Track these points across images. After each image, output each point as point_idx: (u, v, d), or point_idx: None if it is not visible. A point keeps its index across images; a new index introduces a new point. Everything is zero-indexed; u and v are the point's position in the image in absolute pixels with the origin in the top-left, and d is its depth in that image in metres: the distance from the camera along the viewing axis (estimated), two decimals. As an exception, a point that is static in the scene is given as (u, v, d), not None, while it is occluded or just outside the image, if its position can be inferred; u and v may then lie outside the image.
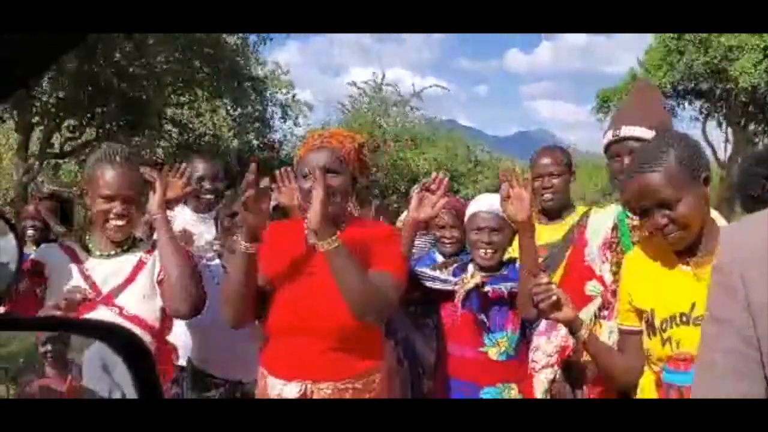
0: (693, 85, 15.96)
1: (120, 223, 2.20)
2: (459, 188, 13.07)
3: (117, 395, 0.99)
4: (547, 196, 2.92)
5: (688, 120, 18.32)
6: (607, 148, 2.38)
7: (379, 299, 2.04)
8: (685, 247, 1.82)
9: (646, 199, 1.79)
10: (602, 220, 2.53)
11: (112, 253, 2.26)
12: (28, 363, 1.32)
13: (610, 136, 2.34)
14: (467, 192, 12.20)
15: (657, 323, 1.86)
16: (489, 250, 2.58)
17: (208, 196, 3.19)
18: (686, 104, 17.62)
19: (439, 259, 3.62)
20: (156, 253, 2.27)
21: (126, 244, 2.26)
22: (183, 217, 3.15)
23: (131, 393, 0.90)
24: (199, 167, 3.20)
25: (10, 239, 1.12)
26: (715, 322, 1.38)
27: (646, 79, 2.72)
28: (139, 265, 2.24)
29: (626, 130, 2.29)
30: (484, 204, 2.63)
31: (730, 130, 17.42)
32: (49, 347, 1.26)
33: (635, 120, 2.29)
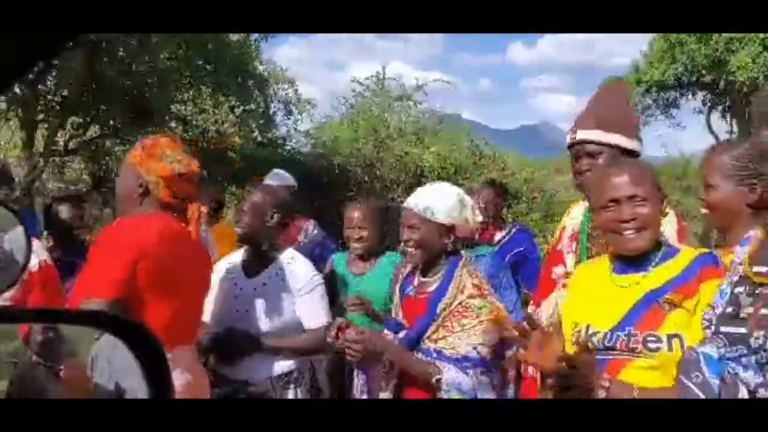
0: (695, 77, 15.90)
1: None
2: (463, 182, 13.04)
3: (126, 389, 1.00)
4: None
5: (691, 111, 18.26)
6: (569, 149, 2.46)
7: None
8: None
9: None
10: (577, 212, 2.58)
11: None
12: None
13: (569, 139, 2.43)
14: (471, 186, 12.18)
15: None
16: (409, 249, 2.53)
17: None
18: (690, 96, 17.56)
19: None
20: None
21: None
22: None
23: (140, 386, 0.91)
24: None
25: (19, 231, 1.13)
26: None
27: (616, 80, 2.75)
28: None
29: (581, 134, 2.37)
30: (409, 200, 2.57)
31: (734, 120, 17.36)
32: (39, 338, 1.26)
33: (592, 123, 2.35)
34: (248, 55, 12.67)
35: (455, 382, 2.29)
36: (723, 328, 1.56)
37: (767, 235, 1.63)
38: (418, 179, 12.31)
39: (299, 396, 2.76)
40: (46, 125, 10.50)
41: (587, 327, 1.96)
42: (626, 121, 2.37)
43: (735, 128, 17.20)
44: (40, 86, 9.56)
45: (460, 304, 2.41)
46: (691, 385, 1.55)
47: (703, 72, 15.48)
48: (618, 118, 2.36)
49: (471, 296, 2.41)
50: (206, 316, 2.88)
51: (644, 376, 1.83)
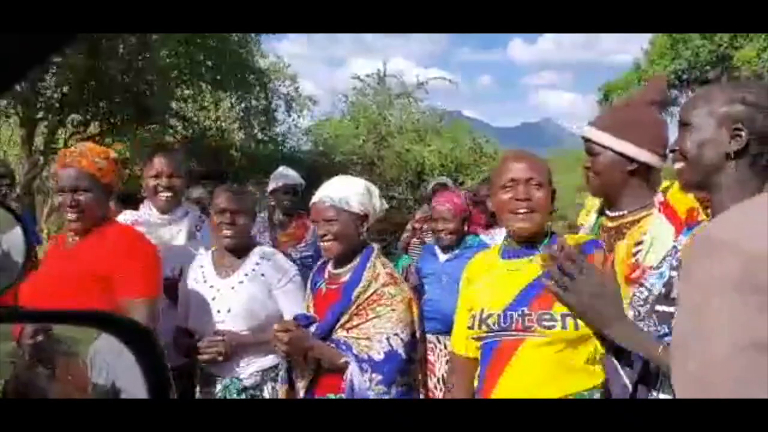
0: (698, 73, 15.91)
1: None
2: (464, 180, 13.06)
3: (123, 388, 0.99)
4: None
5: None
6: None
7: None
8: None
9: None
10: (592, 210, 2.56)
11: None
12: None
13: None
14: (472, 183, 12.21)
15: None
16: (325, 243, 2.48)
17: (165, 194, 3.07)
18: (691, 93, 17.58)
19: (439, 252, 3.64)
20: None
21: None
22: (148, 218, 3.06)
23: (139, 386, 0.90)
24: (155, 162, 3.09)
25: (18, 233, 1.12)
26: (750, 348, 1.04)
27: (657, 78, 2.57)
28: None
29: (585, 130, 2.29)
30: (319, 194, 2.52)
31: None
32: (29, 341, 1.24)
33: (606, 125, 2.25)
34: (248, 50, 12.67)
35: (350, 379, 2.30)
36: (657, 307, 1.66)
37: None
38: (419, 177, 12.33)
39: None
40: (46, 123, 10.53)
41: (482, 311, 2.04)
42: (639, 127, 2.20)
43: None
44: (40, 84, 9.56)
45: (374, 292, 2.40)
46: (617, 364, 1.69)
47: (707, 68, 15.47)
48: (631, 122, 2.21)
49: (385, 284, 2.41)
50: (186, 322, 2.86)
51: (539, 352, 1.91)
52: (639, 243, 2.10)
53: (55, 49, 0.72)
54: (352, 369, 2.31)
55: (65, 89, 9.97)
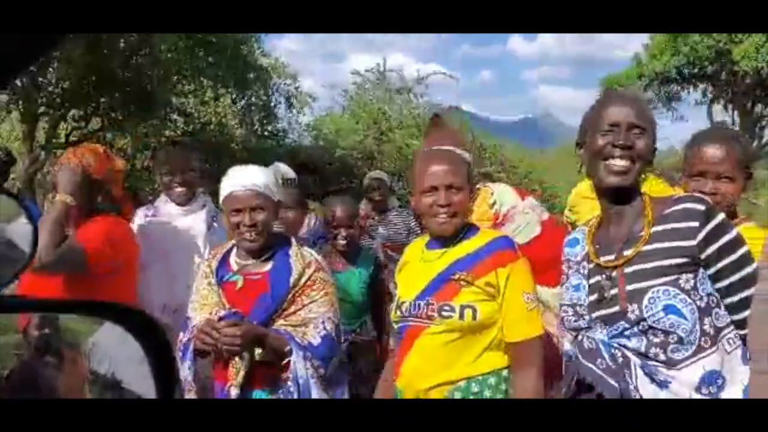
0: (698, 68, 15.86)
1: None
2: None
3: (124, 378, 1.01)
4: None
5: (693, 103, 18.20)
6: None
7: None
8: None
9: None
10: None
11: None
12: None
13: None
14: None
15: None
16: (252, 233, 2.38)
17: (179, 189, 3.13)
18: (691, 88, 17.52)
19: None
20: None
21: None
22: (167, 210, 3.15)
23: (143, 376, 0.91)
24: (166, 158, 3.19)
25: (25, 221, 1.12)
26: None
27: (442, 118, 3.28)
28: None
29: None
30: (239, 181, 2.41)
31: (735, 111, 17.31)
32: (36, 333, 1.25)
33: (445, 143, 2.51)
34: (248, 46, 12.64)
35: (294, 369, 2.29)
36: (597, 314, 1.81)
37: (596, 230, 1.92)
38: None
39: None
40: (47, 118, 10.51)
41: (399, 298, 2.22)
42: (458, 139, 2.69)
43: (737, 119, 17.17)
44: (41, 79, 9.56)
45: (309, 278, 2.42)
46: (601, 372, 1.77)
47: (706, 63, 15.43)
48: (453, 137, 2.64)
49: (317, 269, 2.45)
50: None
51: (437, 339, 2.08)
52: (493, 204, 2.56)
53: (54, 45, 0.73)
54: (295, 360, 2.30)
55: (66, 84, 9.96)
